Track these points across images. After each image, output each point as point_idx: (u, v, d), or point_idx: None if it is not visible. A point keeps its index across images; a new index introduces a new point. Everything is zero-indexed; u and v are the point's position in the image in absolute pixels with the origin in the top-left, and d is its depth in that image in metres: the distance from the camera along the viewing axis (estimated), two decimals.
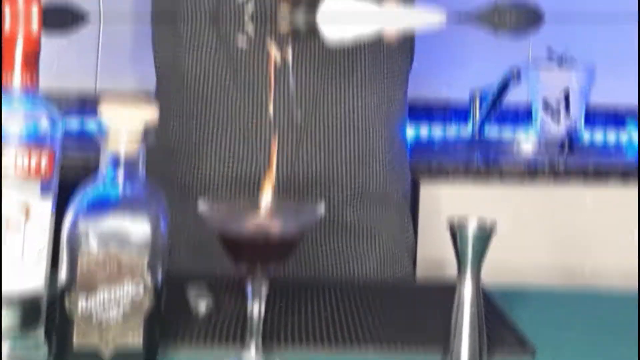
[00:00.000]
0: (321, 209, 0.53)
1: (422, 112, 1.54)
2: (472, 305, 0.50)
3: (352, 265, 0.87)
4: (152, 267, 0.46)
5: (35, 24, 0.47)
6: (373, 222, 0.89)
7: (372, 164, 0.88)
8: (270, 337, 0.56)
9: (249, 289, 0.51)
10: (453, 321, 0.51)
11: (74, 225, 0.46)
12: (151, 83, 0.94)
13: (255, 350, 0.51)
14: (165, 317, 0.50)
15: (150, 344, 0.48)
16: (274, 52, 0.62)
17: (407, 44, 0.88)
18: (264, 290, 0.51)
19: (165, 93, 0.90)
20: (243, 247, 0.52)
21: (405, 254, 0.94)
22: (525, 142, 1.40)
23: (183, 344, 0.55)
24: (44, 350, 0.49)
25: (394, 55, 0.88)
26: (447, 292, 0.55)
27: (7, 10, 0.47)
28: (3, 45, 0.47)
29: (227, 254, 0.52)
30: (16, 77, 0.47)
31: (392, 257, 0.90)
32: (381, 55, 0.86)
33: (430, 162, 1.33)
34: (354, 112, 0.85)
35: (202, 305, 0.63)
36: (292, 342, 0.58)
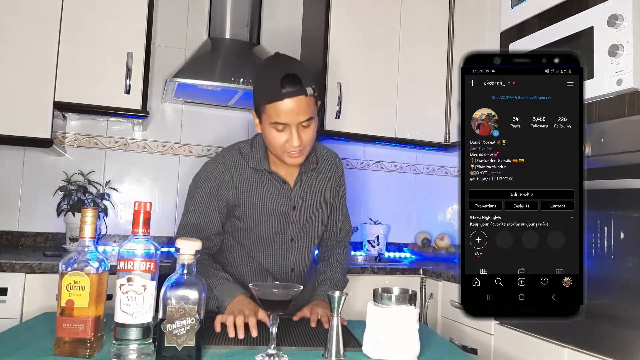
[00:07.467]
0: (300, 288, 1.13)
1: None
2: (337, 327, 1.09)
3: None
4: (198, 312, 1.04)
5: (148, 208, 1.07)
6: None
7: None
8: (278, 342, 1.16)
9: (270, 319, 1.11)
10: (329, 334, 1.10)
11: (165, 293, 1.04)
12: None
13: (274, 347, 1.10)
14: (203, 333, 1.08)
15: (197, 345, 1.03)
16: None
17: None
18: (277, 320, 1.11)
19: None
20: (268, 302, 1.12)
21: None
22: (359, 257, 3.03)
23: (210, 345, 1.15)
24: (152, 347, 1.05)
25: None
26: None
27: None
28: (134, 214, 1.08)
29: (261, 305, 1.14)
30: (140, 229, 1.07)
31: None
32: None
33: None
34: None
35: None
36: (286, 344, 1.18)
